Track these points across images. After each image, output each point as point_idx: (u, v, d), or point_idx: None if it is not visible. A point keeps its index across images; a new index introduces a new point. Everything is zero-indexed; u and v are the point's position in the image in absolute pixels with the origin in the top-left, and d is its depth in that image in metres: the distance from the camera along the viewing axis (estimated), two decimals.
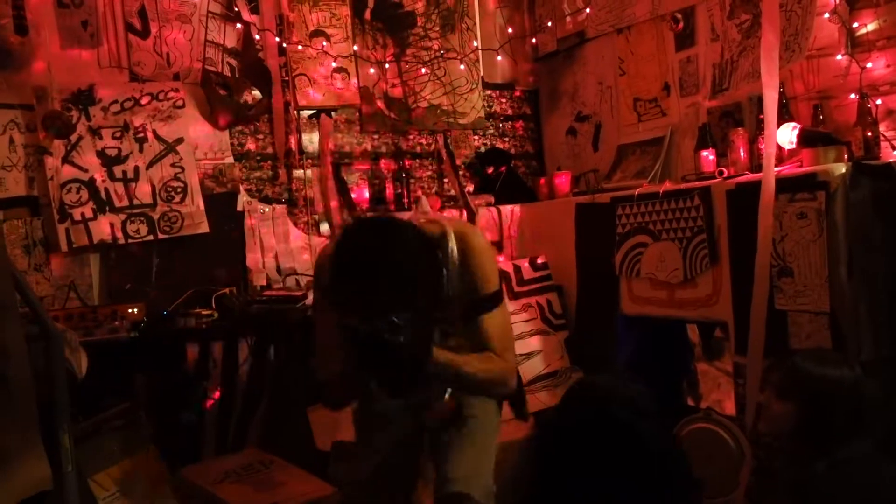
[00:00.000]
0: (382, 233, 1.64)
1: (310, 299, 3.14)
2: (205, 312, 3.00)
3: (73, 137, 3.00)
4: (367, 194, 3.60)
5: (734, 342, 2.51)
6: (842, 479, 1.72)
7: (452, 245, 1.79)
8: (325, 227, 3.51)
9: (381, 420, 2.03)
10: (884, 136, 2.40)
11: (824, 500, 1.73)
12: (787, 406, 1.81)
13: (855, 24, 2.48)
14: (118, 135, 3.10)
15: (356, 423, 2.12)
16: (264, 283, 3.33)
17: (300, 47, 3.46)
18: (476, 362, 1.79)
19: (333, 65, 3.52)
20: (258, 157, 3.42)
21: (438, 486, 1.93)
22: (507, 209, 3.59)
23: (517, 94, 4.02)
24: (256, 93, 3.39)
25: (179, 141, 3.21)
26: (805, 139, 2.39)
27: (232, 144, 3.36)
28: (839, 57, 2.52)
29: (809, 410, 1.78)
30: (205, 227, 3.22)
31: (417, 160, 3.73)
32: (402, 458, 2.06)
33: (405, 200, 3.56)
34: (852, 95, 2.48)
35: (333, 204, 3.50)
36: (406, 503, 2.16)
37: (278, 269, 3.39)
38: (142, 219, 3.12)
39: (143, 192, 3.13)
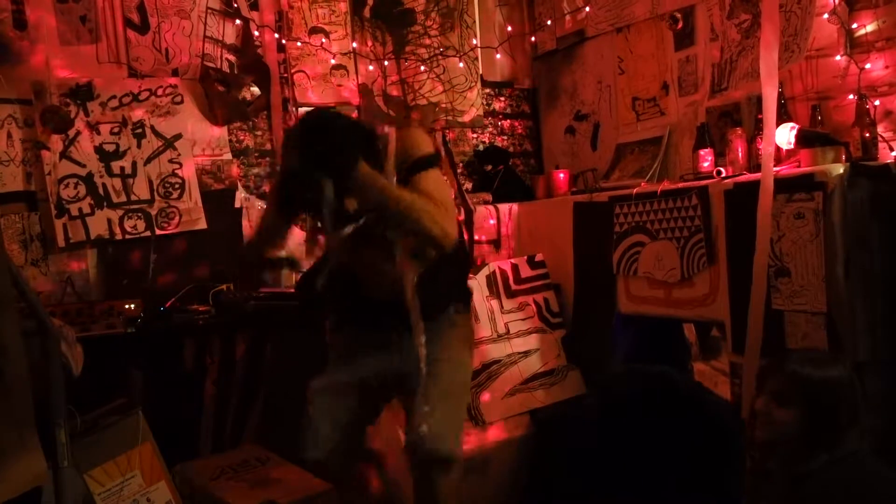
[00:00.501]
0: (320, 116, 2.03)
1: None
2: (202, 308, 3.00)
3: (72, 132, 3.00)
4: None
5: (731, 341, 2.51)
6: (839, 476, 1.72)
7: (392, 142, 1.98)
8: None
9: (350, 355, 2.17)
10: (882, 136, 2.40)
11: (822, 498, 1.73)
12: (791, 413, 1.80)
13: (854, 25, 2.48)
14: (116, 130, 3.10)
15: (330, 357, 2.27)
16: None
17: (299, 44, 3.46)
18: (408, 194, 1.90)
19: (332, 62, 3.52)
20: (256, 154, 3.42)
21: (412, 442, 2.01)
22: (505, 207, 3.58)
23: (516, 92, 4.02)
24: (255, 89, 3.39)
25: (178, 137, 3.21)
26: (803, 139, 2.39)
27: (230, 141, 3.36)
28: (838, 58, 2.52)
29: (815, 414, 1.77)
30: (202, 224, 3.22)
31: None
32: (366, 399, 2.16)
33: None
34: (851, 96, 2.48)
35: None
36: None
37: None
38: (139, 214, 3.12)
39: (140, 187, 3.13)
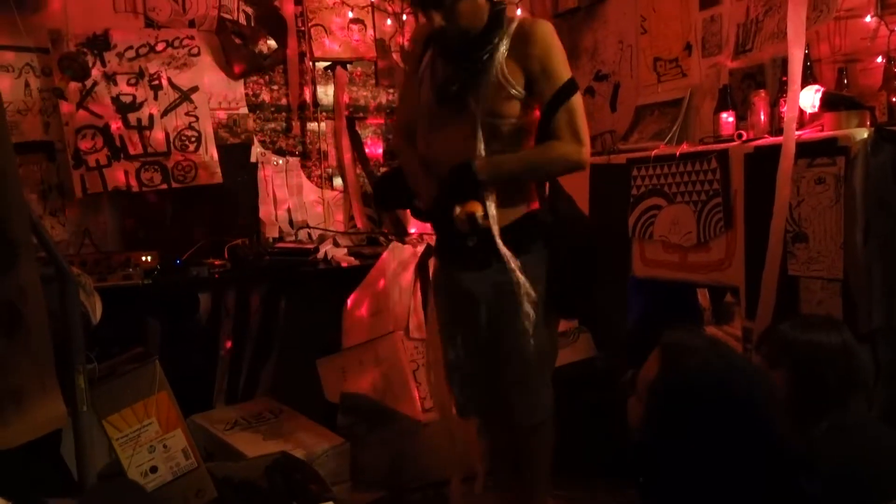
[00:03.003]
0: None
1: (321, 253, 3.16)
2: (217, 262, 3.02)
3: (88, 83, 3.00)
4: (380, 149, 3.58)
5: (745, 307, 2.50)
6: (842, 443, 1.72)
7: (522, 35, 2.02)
8: (338, 181, 3.51)
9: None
10: None
11: (825, 464, 1.73)
12: (779, 375, 1.81)
13: None
14: (133, 81, 3.09)
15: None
16: (277, 235, 3.35)
17: None
18: (537, 153, 2.06)
19: (350, 15, 3.48)
20: (272, 109, 3.40)
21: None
22: None
23: None
24: (272, 42, 3.36)
25: (194, 89, 3.19)
26: (828, 103, 2.34)
27: (246, 95, 3.34)
28: (868, 18, 2.45)
29: (800, 376, 1.77)
30: (218, 178, 3.23)
31: None
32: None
33: None
34: (879, 59, 2.42)
35: (347, 158, 3.49)
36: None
37: (291, 222, 3.40)
38: (156, 167, 3.12)
39: (157, 140, 3.13)
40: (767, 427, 1.32)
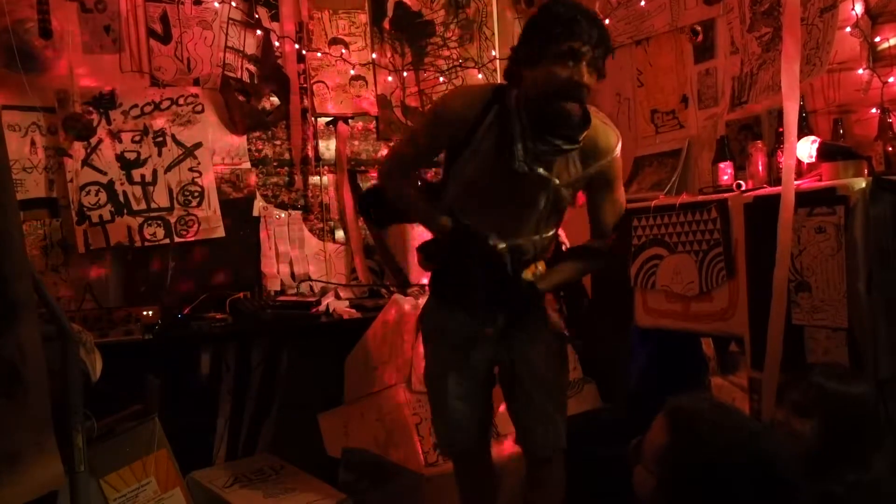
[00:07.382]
0: None
1: (322, 306, 3.15)
2: (219, 316, 3.01)
3: (94, 140, 3.03)
4: None
5: (750, 357, 2.48)
6: (867, 500, 1.68)
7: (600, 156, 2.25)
8: (339, 234, 3.53)
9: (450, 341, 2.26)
10: None
11: None
12: (809, 424, 1.78)
13: (877, 39, 2.46)
14: (137, 138, 3.13)
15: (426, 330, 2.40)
16: (278, 288, 3.34)
17: (319, 55, 3.49)
18: (570, 270, 2.32)
19: (351, 72, 3.54)
20: (275, 163, 3.44)
21: (529, 440, 2.29)
22: None
23: None
24: (275, 99, 3.42)
25: (198, 145, 3.24)
26: (825, 153, 2.36)
27: (249, 150, 3.38)
28: (860, 71, 2.50)
29: (833, 428, 1.74)
30: (220, 232, 3.24)
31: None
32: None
33: None
34: (873, 110, 2.45)
35: (349, 210, 3.51)
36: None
37: (292, 275, 3.40)
38: (158, 222, 3.14)
39: (160, 195, 3.15)
40: (785, 490, 1.29)
